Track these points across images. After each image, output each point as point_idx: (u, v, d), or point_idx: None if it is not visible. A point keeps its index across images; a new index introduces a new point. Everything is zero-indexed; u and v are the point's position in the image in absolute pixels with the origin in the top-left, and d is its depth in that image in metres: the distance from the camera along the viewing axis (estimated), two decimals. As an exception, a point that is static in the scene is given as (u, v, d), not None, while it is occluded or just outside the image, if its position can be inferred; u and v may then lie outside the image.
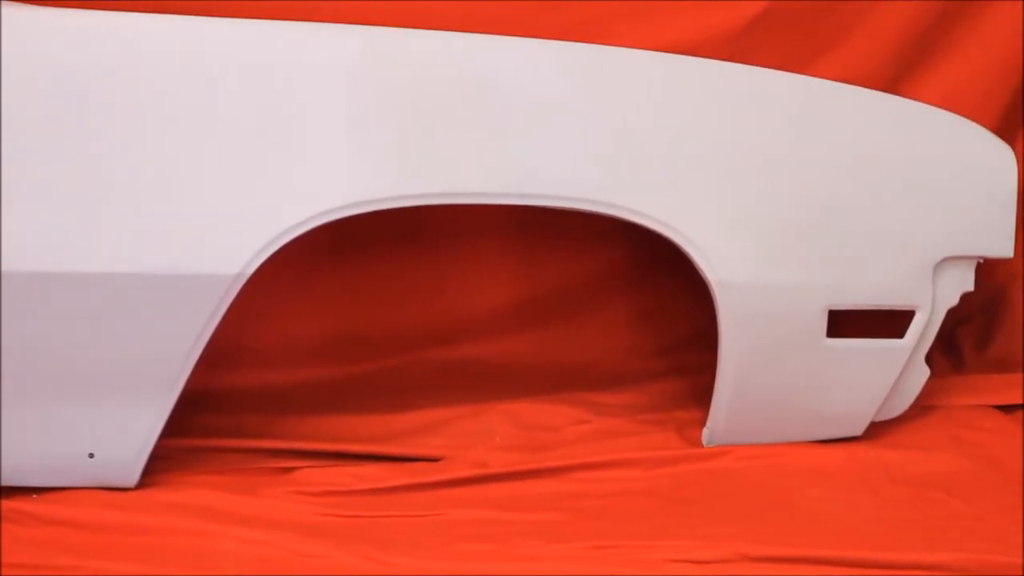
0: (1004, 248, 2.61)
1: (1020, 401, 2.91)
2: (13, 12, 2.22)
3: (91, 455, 2.35)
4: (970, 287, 2.63)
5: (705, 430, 2.63)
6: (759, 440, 2.62)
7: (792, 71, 2.59)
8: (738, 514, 2.36)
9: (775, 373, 2.58)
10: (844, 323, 2.57)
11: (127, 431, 2.35)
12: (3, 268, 2.21)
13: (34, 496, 2.33)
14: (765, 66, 2.54)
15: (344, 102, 2.32)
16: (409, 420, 2.74)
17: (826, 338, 2.56)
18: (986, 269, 2.68)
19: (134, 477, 2.38)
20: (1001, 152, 2.60)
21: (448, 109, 2.36)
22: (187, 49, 2.28)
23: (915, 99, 2.73)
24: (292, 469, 2.53)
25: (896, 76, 2.90)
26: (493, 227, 2.90)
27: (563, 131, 2.41)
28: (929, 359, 2.69)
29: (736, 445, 2.61)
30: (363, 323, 2.93)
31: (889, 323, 2.61)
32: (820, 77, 2.63)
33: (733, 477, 2.52)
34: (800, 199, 2.50)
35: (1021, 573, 2.13)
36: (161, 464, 2.45)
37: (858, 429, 2.67)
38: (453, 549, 2.18)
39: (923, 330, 2.61)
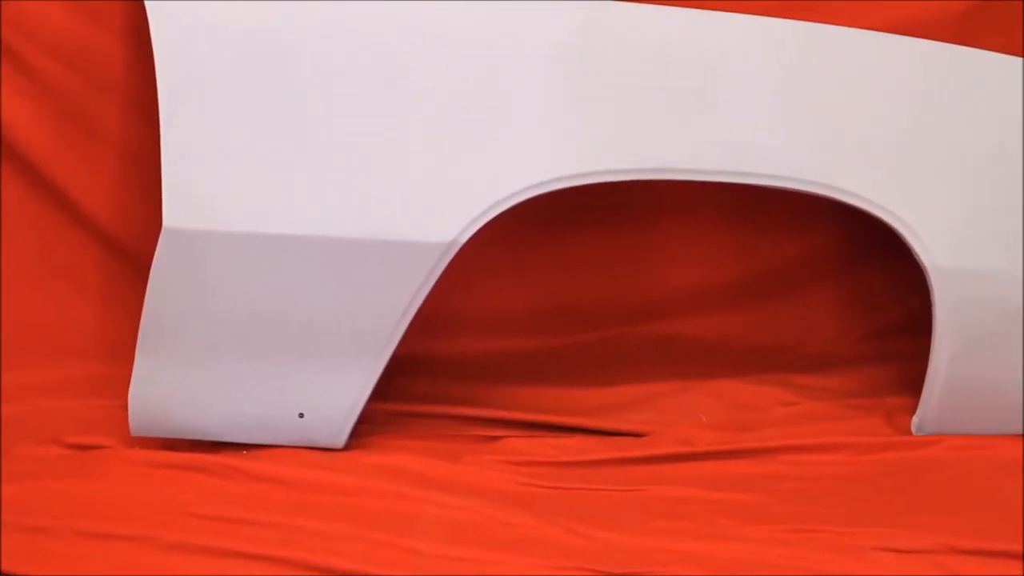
0: None
1: None
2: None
3: (301, 415, 2.40)
4: None
5: (915, 418, 2.59)
6: (969, 430, 2.56)
7: (1017, 56, 2.53)
8: (944, 505, 2.31)
9: (989, 363, 2.54)
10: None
11: (337, 393, 2.39)
12: (225, 229, 2.27)
13: (244, 452, 2.39)
14: (990, 50, 2.49)
15: (561, 75, 2.34)
16: (615, 394, 2.75)
17: (1044, 330, 2.51)
18: None
19: (342, 438, 2.42)
20: None
21: (662, 84, 2.37)
22: (410, 20, 2.32)
23: None
24: (496, 438, 2.55)
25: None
26: (707, 204, 2.88)
27: (778, 110, 2.40)
28: None
29: (946, 435, 2.56)
30: (573, 295, 2.93)
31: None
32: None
33: (940, 467, 2.48)
34: (1019, 187, 2.45)
35: None
36: (368, 427, 2.50)
37: (1069, 424, 2.62)
38: (653, 525, 2.18)
39: None
